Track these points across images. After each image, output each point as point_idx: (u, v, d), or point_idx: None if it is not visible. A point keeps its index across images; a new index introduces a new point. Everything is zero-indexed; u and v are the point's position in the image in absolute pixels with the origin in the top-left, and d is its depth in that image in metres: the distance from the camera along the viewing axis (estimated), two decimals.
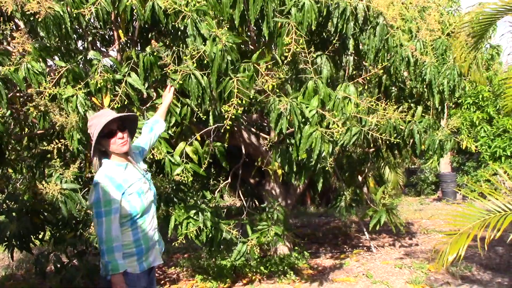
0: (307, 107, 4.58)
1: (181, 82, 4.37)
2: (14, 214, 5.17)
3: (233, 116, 4.36)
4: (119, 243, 2.85)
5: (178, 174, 4.84)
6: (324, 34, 5.68)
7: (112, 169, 2.97)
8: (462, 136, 6.03)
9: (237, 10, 4.58)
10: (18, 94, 5.06)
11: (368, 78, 5.55)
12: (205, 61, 4.44)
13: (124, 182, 2.94)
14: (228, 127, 4.45)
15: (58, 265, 5.51)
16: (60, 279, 5.55)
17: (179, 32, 4.70)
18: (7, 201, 5.35)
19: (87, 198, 5.47)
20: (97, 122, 2.95)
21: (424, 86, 5.89)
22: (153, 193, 3.18)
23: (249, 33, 5.58)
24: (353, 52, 5.72)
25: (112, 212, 2.83)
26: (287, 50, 4.52)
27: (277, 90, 4.81)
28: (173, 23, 4.45)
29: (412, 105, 6.06)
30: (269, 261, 6.43)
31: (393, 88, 6.19)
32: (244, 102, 4.44)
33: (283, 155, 5.16)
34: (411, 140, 5.64)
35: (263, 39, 5.16)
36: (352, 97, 4.77)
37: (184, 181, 4.93)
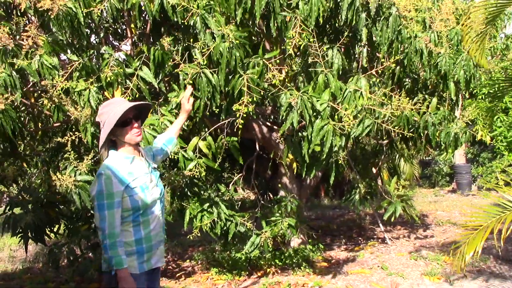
0: (318, 101, 4.56)
1: (191, 82, 4.40)
2: (29, 206, 5.21)
3: (244, 115, 4.36)
4: (121, 239, 2.76)
5: (190, 170, 4.86)
6: (336, 24, 5.63)
7: (119, 161, 2.84)
8: (477, 127, 5.95)
9: (241, 7, 4.59)
10: (31, 89, 5.09)
11: (381, 70, 5.49)
12: (215, 58, 4.45)
13: (128, 176, 2.81)
14: (240, 126, 4.43)
15: (72, 257, 5.56)
16: (73, 271, 5.59)
17: (190, 28, 4.70)
18: (22, 194, 5.39)
19: None
20: (110, 110, 2.80)
21: (439, 78, 5.82)
22: (160, 191, 3.02)
23: (257, 29, 5.56)
24: (366, 43, 5.67)
25: (115, 205, 2.72)
26: (290, 44, 4.50)
27: (289, 84, 4.78)
28: (182, 20, 4.47)
29: (426, 96, 5.99)
30: (283, 254, 6.44)
31: (406, 79, 6.13)
32: (255, 99, 4.43)
33: (296, 148, 5.14)
34: (426, 132, 5.58)
35: (272, 35, 5.16)
36: (363, 90, 4.74)
37: (198, 176, 4.94)
